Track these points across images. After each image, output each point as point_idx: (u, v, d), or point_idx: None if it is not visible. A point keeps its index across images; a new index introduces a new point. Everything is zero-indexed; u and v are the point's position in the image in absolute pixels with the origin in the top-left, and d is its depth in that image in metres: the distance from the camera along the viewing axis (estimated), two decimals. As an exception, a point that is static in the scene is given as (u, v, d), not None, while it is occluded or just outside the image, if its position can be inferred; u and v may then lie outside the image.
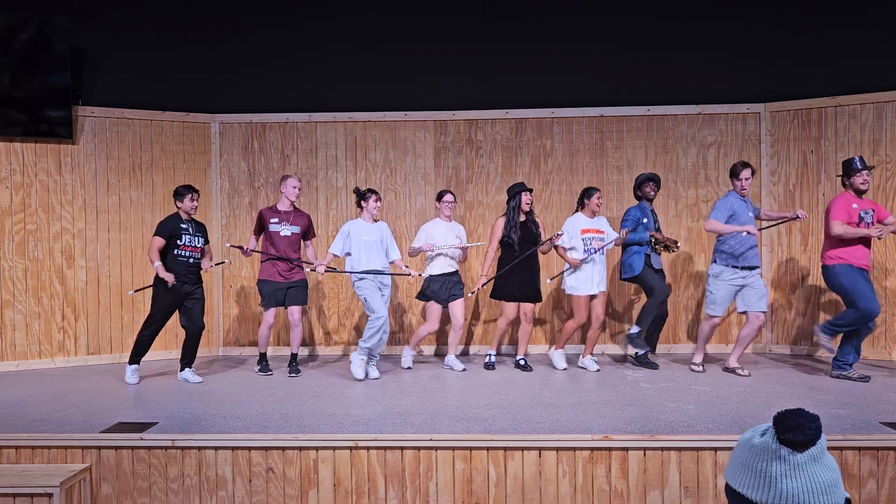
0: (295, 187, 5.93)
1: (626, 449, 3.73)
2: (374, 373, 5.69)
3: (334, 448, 3.82)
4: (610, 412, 4.40)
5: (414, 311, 7.12)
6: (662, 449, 3.72)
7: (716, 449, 3.70)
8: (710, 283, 5.70)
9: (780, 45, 6.71)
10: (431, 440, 3.81)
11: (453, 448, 3.78)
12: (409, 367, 6.13)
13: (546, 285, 6.34)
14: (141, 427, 4.11)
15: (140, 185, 6.84)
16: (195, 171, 7.02)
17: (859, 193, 5.35)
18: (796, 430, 1.29)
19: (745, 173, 5.60)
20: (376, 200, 5.82)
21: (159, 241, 5.46)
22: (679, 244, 6.00)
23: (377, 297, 5.62)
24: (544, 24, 6.96)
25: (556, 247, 5.95)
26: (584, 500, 3.72)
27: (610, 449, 3.74)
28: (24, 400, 5.04)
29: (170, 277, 5.38)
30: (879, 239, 5.37)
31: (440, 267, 6.02)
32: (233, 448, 3.86)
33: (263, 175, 7.12)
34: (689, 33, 6.83)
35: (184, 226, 5.56)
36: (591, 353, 6.07)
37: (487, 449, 3.77)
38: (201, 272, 5.65)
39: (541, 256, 6.18)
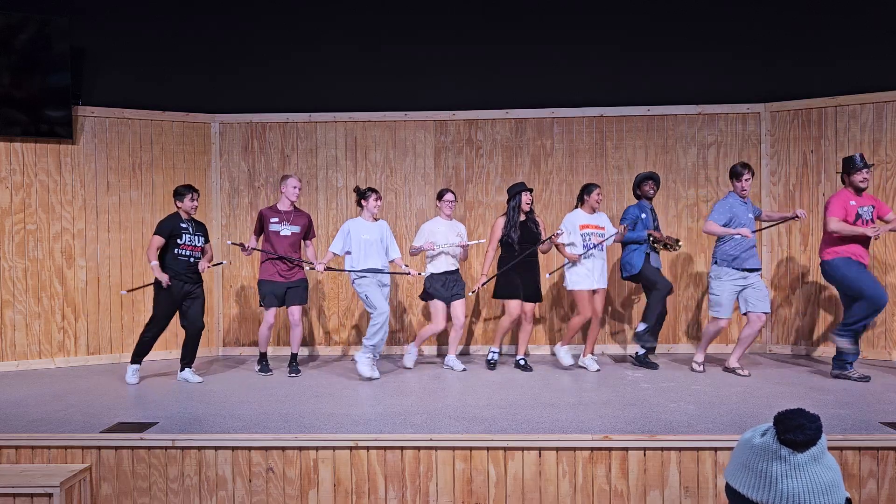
0: (295, 187, 5.93)
1: (626, 449, 3.73)
2: (374, 373, 5.69)
3: (334, 448, 3.82)
4: (610, 412, 4.40)
5: (414, 311, 7.12)
6: (662, 449, 3.72)
7: (716, 449, 3.70)
8: (712, 286, 5.67)
9: (780, 45, 6.71)
10: (431, 440, 3.81)
11: (453, 448, 3.78)
12: (410, 367, 6.13)
13: (546, 280, 6.34)
14: (141, 427, 4.11)
15: (140, 185, 6.84)
16: (195, 171, 7.02)
17: (858, 191, 5.35)
18: (797, 430, 1.29)
19: (746, 174, 5.60)
20: (376, 199, 5.82)
21: (159, 241, 5.47)
22: (681, 242, 5.99)
23: (378, 294, 5.63)
24: (544, 24, 6.96)
25: (556, 245, 5.96)
26: (584, 500, 3.72)
27: (610, 449, 3.73)
28: (24, 400, 5.04)
29: (164, 278, 5.39)
30: (876, 238, 5.34)
31: (441, 266, 6.02)
32: (233, 448, 3.86)
33: (263, 175, 7.12)
34: (689, 33, 6.83)
35: (184, 225, 5.56)
36: (592, 353, 6.07)
37: (487, 449, 3.77)
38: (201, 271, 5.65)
39: (541, 256, 6.18)
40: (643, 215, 5.96)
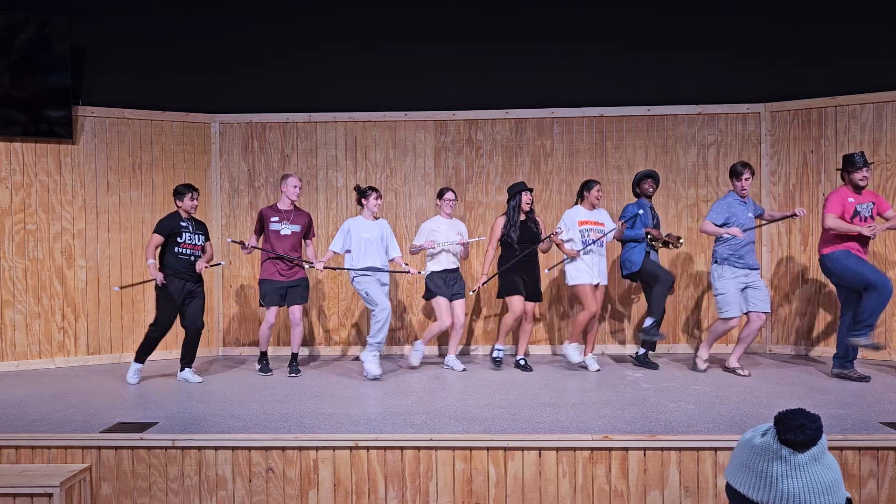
0: (295, 186, 5.94)
1: (626, 449, 3.73)
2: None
3: (334, 448, 3.82)
4: (610, 412, 4.40)
5: (414, 311, 7.12)
6: (662, 449, 3.72)
7: (716, 449, 3.70)
8: (716, 287, 5.62)
9: (780, 45, 6.71)
10: (431, 440, 3.81)
11: (453, 448, 3.78)
12: (416, 366, 6.08)
13: (545, 276, 6.33)
14: (141, 427, 4.11)
15: (140, 185, 6.84)
16: (195, 171, 7.02)
17: (858, 189, 5.34)
18: (797, 430, 1.29)
19: (746, 174, 5.60)
20: (377, 198, 5.83)
21: (157, 239, 5.48)
22: (682, 240, 5.98)
23: (378, 290, 5.63)
24: (544, 24, 6.96)
25: (556, 243, 5.96)
26: (584, 500, 3.72)
27: (610, 449, 3.73)
28: (24, 400, 5.04)
29: (159, 276, 5.41)
30: (872, 237, 5.30)
31: (441, 264, 6.02)
32: (233, 448, 3.86)
33: (263, 175, 7.12)
34: (689, 33, 6.83)
35: (183, 224, 5.57)
36: (592, 351, 6.08)
37: (487, 449, 3.77)
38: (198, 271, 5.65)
39: (541, 255, 6.19)
40: (640, 211, 5.96)
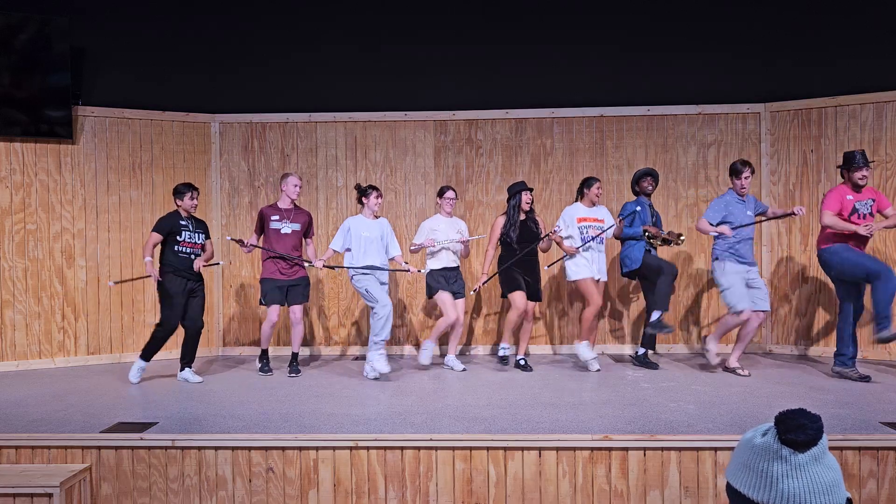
0: (296, 185, 5.94)
1: (626, 449, 3.73)
2: (373, 373, 5.69)
3: (334, 448, 3.82)
4: (610, 412, 4.40)
5: (414, 311, 7.12)
6: (662, 449, 3.72)
7: (716, 449, 3.70)
8: (721, 283, 5.56)
9: (780, 45, 6.71)
10: (431, 440, 3.81)
11: (453, 448, 3.78)
12: (426, 365, 6.03)
13: (545, 272, 6.32)
14: (141, 427, 4.11)
15: (140, 184, 6.84)
16: (195, 170, 7.02)
17: (857, 188, 5.34)
18: (798, 430, 1.29)
19: (746, 172, 5.59)
20: (377, 197, 5.83)
21: (156, 237, 5.50)
22: (682, 237, 5.96)
23: (377, 287, 5.63)
24: (544, 24, 6.96)
25: (556, 242, 5.96)
26: (584, 500, 3.72)
27: (610, 449, 3.74)
28: (24, 400, 5.04)
29: (155, 273, 5.44)
30: (869, 236, 5.26)
31: (441, 262, 6.02)
32: (233, 448, 3.86)
33: (263, 175, 7.12)
34: (689, 33, 6.83)
35: (183, 223, 5.57)
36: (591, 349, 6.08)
37: (487, 449, 3.77)
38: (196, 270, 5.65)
39: (541, 255, 6.19)
40: (638, 208, 5.95)
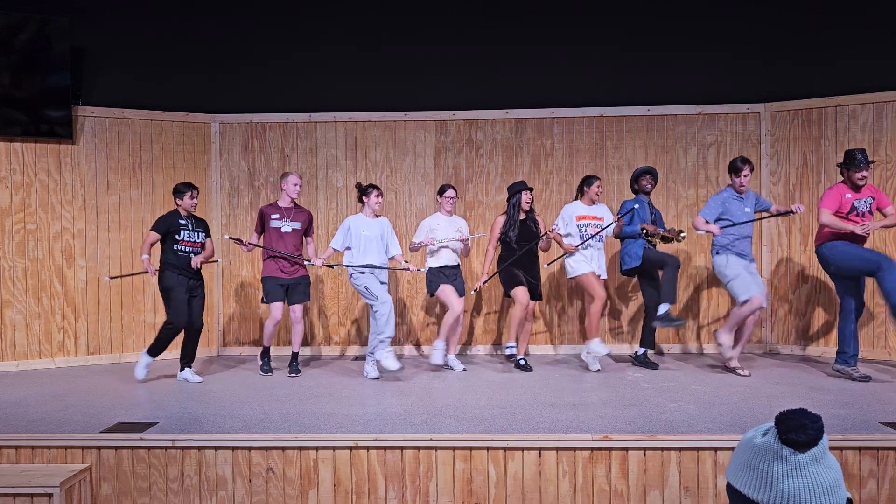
0: (296, 184, 5.94)
1: (626, 449, 3.73)
2: (373, 373, 5.69)
3: (334, 448, 3.82)
4: (610, 412, 4.40)
5: (414, 311, 7.12)
6: (662, 449, 3.72)
7: (716, 449, 3.70)
8: (726, 274, 5.52)
9: (780, 45, 6.71)
10: (431, 440, 3.81)
11: (453, 448, 3.78)
12: (440, 364, 5.96)
13: (545, 271, 6.32)
14: (141, 427, 4.11)
15: (140, 184, 6.84)
16: (195, 170, 7.02)
17: (856, 187, 5.33)
18: (798, 430, 1.29)
19: (745, 170, 5.59)
20: (377, 196, 5.83)
21: (154, 236, 5.53)
22: (683, 233, 5.96)
23: (376, 284, 5.63)
24: (544, 24, 6.96)
25: (555, 240, 5.96)
26: (584, 500, 3.72)
27: (610, 449, 3.74)
28: (24, 400, 5.04)
29: (151, 269, 5.50)
30: (866, 236, 5.23)
31: (441, 260, 6.02)
32: (233, 448, 3.86)
33: (263, 174, 7.12)
34: (689, 33, 6.83)
35: (182, 222, 5.58)
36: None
37: (487, 449, 3.77)
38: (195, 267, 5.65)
39: (541, 255, 6.19)
40: (636, 206, 5.95)
